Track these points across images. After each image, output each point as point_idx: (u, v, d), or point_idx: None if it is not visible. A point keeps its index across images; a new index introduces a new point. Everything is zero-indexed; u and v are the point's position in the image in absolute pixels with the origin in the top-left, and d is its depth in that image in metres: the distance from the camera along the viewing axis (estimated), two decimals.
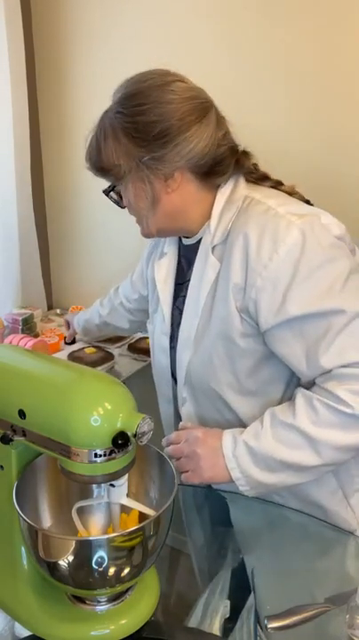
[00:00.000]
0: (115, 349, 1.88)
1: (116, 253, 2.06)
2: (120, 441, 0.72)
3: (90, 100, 1.97)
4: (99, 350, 1.82)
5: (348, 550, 1.03)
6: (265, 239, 0.96)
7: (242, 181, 1.07)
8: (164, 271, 1.21)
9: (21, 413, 0.77)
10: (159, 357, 1.22)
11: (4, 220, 1.96)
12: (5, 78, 1.83)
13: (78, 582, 0.77)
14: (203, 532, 1.03)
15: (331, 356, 0.94)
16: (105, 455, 0.73)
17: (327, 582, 0.93)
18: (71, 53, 1.97)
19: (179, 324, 1.14)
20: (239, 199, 1.05)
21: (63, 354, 1.81)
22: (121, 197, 1.09)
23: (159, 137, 0.99)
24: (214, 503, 1.11)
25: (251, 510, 1.09)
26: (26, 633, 0.82)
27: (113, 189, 1.10)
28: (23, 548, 0.82)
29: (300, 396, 0.98)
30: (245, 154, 1.08)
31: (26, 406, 0.77)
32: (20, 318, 1.93)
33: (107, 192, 1.10)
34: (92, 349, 1.81)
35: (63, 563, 0.75)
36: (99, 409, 0.72)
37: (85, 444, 0.73)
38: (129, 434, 0.73)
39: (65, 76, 2.01)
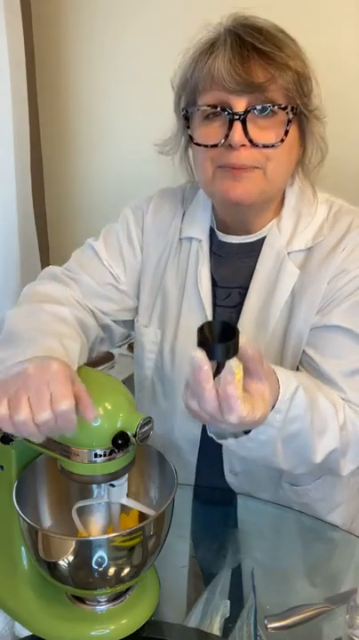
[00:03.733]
0: (115, 349, 1.88)
1: None
2: (120, 441, 0.72)
3: (90, 99, 1.97)
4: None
5: (348, 550, 1.03)
6: None
7: (308, 183, 0.98)
8: (205, 267, 1.01)
9: None
10: (181, 370, 1.03)
11: (4, 221, 1.96)
12: (5, 78, 1.82)
13: (78, 582, 0.77)
14: (204, 532, 1.03)
15: None
16: (105, 455, 0.73)
17: (327, 582, 0.93)
18: (71, 53, 1.97)
19: None
20: (317, 203, 0.97)
21: None
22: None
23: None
24: (213, 503, 1.11)
25: (251, 510, 1.09)
26: (26, 633, 0.82)
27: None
28: (23, 548, 0.82)
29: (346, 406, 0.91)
30: None
31: None
32: None
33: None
34: None
35: (63, 563, 0.75)
36: (99, 409, 0.72)
37: (85, 443, 0.73)
38: (129, 434, 0.73)
39: (65, 76, 2.01)
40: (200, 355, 0.66)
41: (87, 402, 0.70)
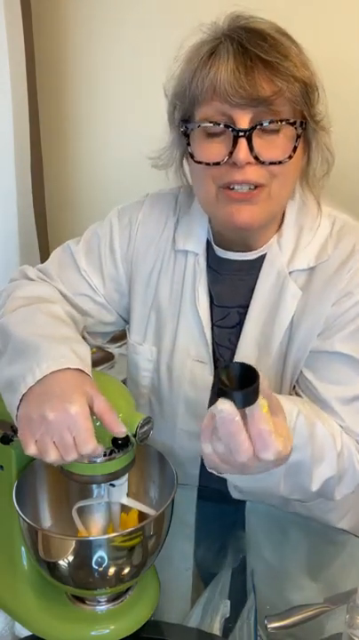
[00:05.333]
0: (115, 349, 1.88)
1: None
2: (120, 441, 0.72)
3: (90, 98, 1.97)
4: (99, 350, 1.82)
5: (349, 551, 1.03)
6: None
7: (311, 195, 0.93)
8: (202, 285, 0.96)
9: None
10: (189, 393, 1.01)
11: (4, 220, 1.96)
12: (5, 77, 1.82)
13: (78, 582, 0.77)
14: (205, 532, 1.03)
15: None
16: (105, 455, 0.73)
17: (327, 582, 0.93)
18: (71, 52, 1.97)
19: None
20: (320, 217, 0.93)
21: None
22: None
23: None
24: (214, 503, 1.11)
25: (252, 510, 1.08)
26: (26, 633, 0.82)
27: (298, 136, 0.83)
28: (23, 548, 0.82)
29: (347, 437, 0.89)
30: None
31: None
32: None
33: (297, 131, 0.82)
34: (92, 349, 1.81)
35: (63, 563, 0.75)
36: None
37: None
38: (129, 434, 0.73)
39: (65, 75, 2.01)
40: (228, 407, 0.63)
41: (112, 419, 0.71)
